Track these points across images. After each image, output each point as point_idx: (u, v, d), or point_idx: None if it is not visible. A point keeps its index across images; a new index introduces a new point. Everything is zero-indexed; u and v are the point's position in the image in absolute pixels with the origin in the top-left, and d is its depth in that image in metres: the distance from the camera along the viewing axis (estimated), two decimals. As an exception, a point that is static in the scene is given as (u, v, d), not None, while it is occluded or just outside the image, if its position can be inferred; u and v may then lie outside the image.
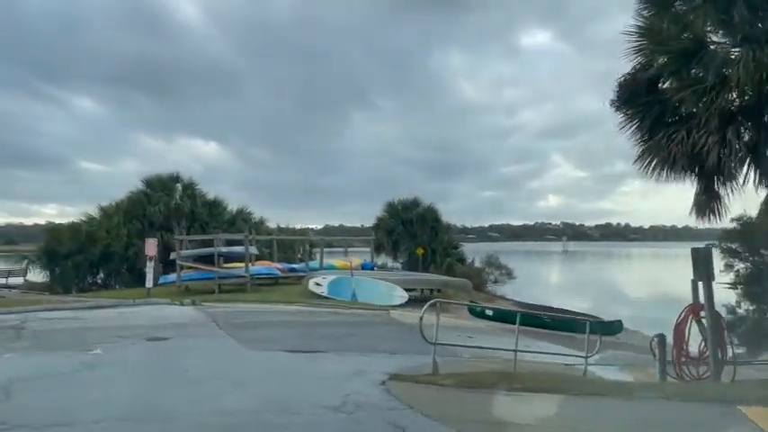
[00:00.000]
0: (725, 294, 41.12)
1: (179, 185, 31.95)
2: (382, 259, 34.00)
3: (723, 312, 34.60)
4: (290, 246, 34.36)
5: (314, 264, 29.09)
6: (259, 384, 7.43)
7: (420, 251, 30.88)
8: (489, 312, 19.57)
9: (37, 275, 30.17)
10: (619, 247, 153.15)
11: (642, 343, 19.09)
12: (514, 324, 18.73)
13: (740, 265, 47.57)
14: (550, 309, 22.03)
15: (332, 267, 28.64)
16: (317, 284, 20.51)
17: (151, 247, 19.48)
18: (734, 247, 47.47)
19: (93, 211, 31.06)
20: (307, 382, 7.68)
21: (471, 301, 20.54)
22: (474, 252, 36.21)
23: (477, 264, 33.15)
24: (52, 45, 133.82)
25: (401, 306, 19.82)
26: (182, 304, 18.16)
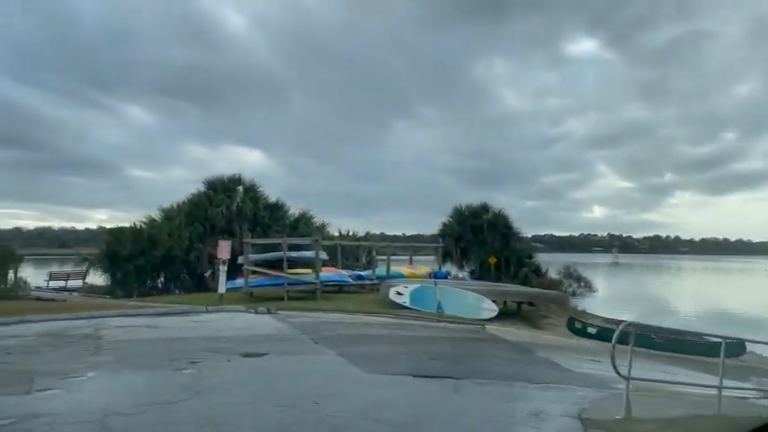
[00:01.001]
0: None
1: (240, 188, 30.78)
2: (446, 268, 32.08)
3: None
4: (352, 252, 32.86)
5: (380, 271, 27.46)
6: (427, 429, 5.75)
7: (492, 260, 28.89)
8: (592, 330, 17.56)
9: (97, 278, 29.42)
10: (669, 260, 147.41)
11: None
12: (621, 344, 16.86)
13: None
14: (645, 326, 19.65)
15: (400, 275, 26.97)
16: (398, 294, 18.80)
17: (224, 250, 18.15)
18: None
19: (155, 213, 30.21)
20: (483, 426, 5.92)
21: (571, 318, 18.50)
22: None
23: (554, 275, 30.92)
24: (106, 57, 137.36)
25: (491, 320, 17.96)
26: (256, 312, 16.77)
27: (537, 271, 30.66)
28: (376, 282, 26.56)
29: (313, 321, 14.92)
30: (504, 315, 19.44)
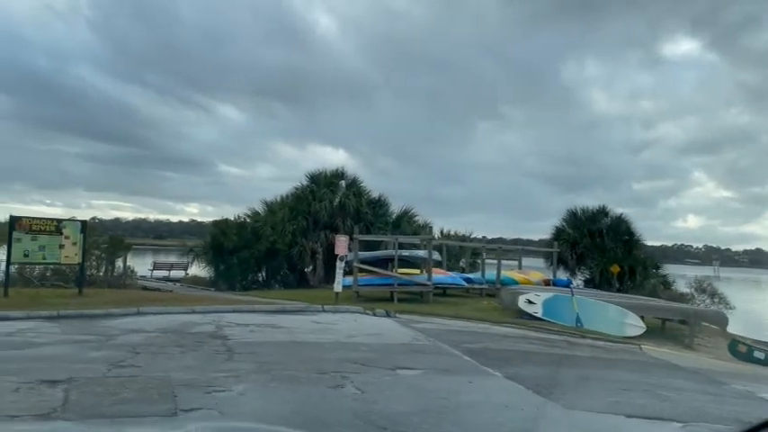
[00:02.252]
0: None
1: (343, 182, 29.74)
2: (560, 275, 29.59)
3: None
4: (454, 253, 31.09)
5: (490, 275, 25.51)
6: None
7: (616, 269, 26.22)
8: (760, 355, 14.91)
9: (199, 269, 29.24)
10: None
11: None
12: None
13: None
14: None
15: (512, 281, 24.89)
16: (530, 302, 16.81)
17: (342, 245, 16.87)
18: None
19: (259, 206, 29.72)
20: None
21: (734, 340, 15.88)
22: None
23: (683, 288, 27.79)
24: (202, 57, 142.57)
25: (636, 338, 15.67)
26: (374, 314, 15.38)
27: (665, 283, 27.66)
28: (485, 286, 24.74)
29: (439, 329, 13.32)
30: (661, 333, 17.13)
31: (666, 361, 12.31)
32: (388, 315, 15.45)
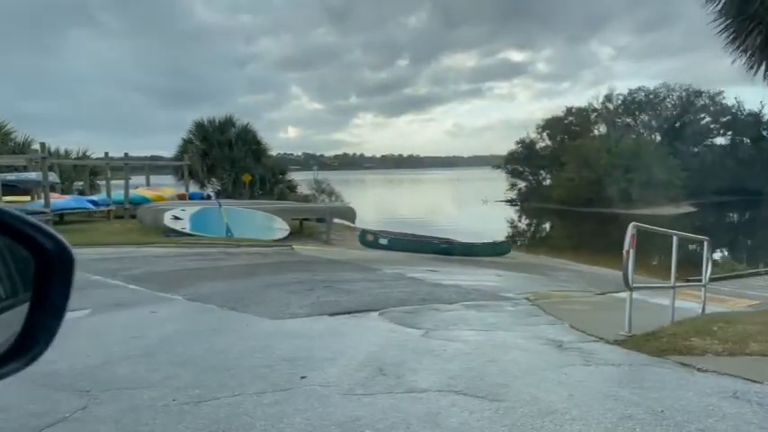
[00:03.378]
0: (510, 211, 45.64)
1: None
2: (192, 188, 28.83)
3: (507, 226, 37.81)
4: (68, 175, 27.13)
5: (117, 196, 23.15)
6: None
7: (247, 178, 26.76)
8: (384, 241, 17.45)
9: None
10: (358, 175, 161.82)
11: (529, 260, 18.91)
12: (410, 252, 17.12)
13: (522, 184, 52.92)
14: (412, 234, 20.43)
15: (144, 199, 23.23)
16: (176, 218, 15.77)
17: None
18: (519, 168, 52.38)
19: None
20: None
21: (363, 231, 18.06)
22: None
23: (307, 190, 30.24)
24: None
25: (285, 239, 16.47)
26: None
27: (291, 187, 29.63)
28: (112, 208, 22.50)
29: (81, 259, 11.37)
30: (290, 234, 18.09)
31: (319, 257, 13.22)
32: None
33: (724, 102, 48.89)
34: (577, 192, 41.23)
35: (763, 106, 48.72)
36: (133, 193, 24.38)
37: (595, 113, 50.99)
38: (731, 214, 43.74)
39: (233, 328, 5.91)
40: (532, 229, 41.00)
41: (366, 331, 5.86)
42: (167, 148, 30.36)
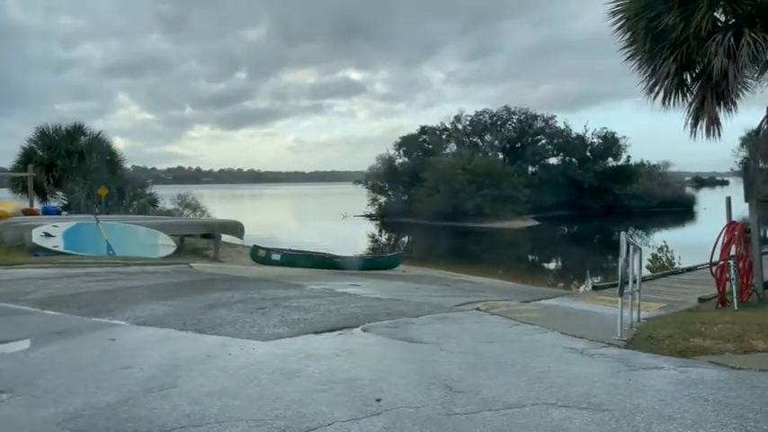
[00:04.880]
0: (371, 226, 46.52)
1: None
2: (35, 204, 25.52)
3: (367, 241, 38.84)
4: None
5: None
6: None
7: (104, 191, 24.30)
8: (276, 257, 16.89)
9: None
10: (196, 188, 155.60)
11: (419, 272, 19.29)
12: (305, 267, 16.73)
13: (382, 199, 54.04)
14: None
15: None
16: (47, 236, 13.77)
17: None
18: (380, 184, 53.45)
19: None
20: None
21: (255, 246, 17.23)
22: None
23: (170, 205, 28.17)
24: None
25: (172, 256, 15.20)
26: None
27: (152, 201, 27.45)
28: None
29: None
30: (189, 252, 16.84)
31: (225, 274, 12.31)
32: None
33: (556, 125, 54.75)
34: (436, 206, 43.22)
35: (587, 130, 55.34)
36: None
37: (446, 133, 54.21)
38: (564, 228, 48.75)
39: (228, 352, 5.28)
40: (392, 242, 42.15)
41: (387, 349, 5.61)
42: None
